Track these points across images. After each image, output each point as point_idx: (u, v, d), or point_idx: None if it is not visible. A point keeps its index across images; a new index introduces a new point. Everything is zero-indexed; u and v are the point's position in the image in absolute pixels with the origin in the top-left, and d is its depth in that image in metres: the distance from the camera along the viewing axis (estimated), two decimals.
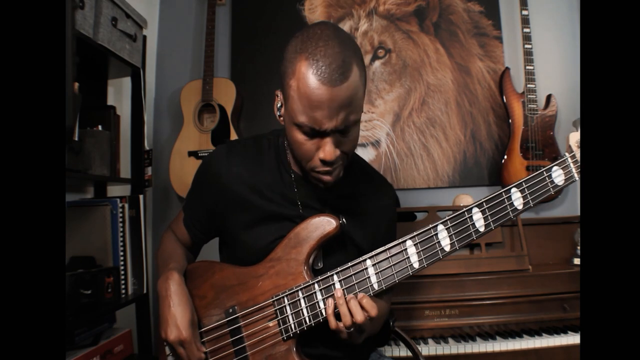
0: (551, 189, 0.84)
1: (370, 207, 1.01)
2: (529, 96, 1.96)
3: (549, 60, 2.12)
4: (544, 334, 1.50)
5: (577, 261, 1.72)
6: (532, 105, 1.96)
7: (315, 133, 0.81)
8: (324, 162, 0.83)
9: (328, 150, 0.81)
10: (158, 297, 0.93)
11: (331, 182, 0.87)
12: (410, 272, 0.85)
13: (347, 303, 0.82)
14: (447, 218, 0.85)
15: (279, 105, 0.88)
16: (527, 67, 1.97)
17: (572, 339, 1.47)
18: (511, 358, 1.46)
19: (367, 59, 2.16)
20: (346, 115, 0.79)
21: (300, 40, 0.80)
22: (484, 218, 0.84)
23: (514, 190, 0.84)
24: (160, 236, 1.13)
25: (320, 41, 0.77)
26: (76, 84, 1.22)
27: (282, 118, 0.88)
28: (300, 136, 0.82)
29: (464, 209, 0.85)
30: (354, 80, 0.78)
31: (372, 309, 0.81)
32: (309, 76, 0.76)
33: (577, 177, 0.83)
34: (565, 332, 1.50)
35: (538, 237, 1.80)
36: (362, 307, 0.82)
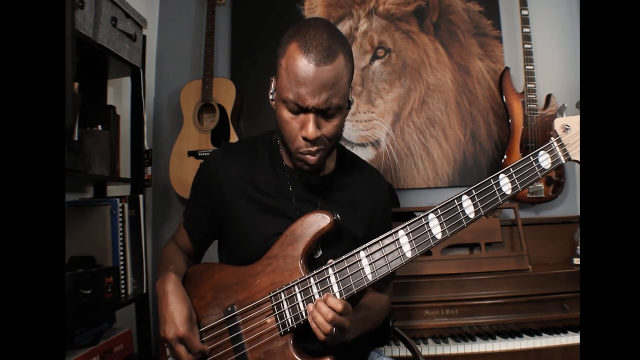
0: (539, 173, 0.86)
1: (363, 197, 1.03)
2: (529, 96, 1.96)
3: (549, 60, 2.12)
4: (544, 334, 1.50)
5: (577, 261, 1.72)
6: (532, 105, 1.96)
7: (300, 110, 0.86)
8: (306, 139, 0.87)
9: (310, 128, 0.85)
10: (157, 300, 0.93)
11: (315, 163, 0.91)
12: (403, 261, 0.87)
13: (319, 311, 0.83)
14: (437, 207, 0.87)
15: (272, 90, 0.93)
16: (527, 67, 1.97)
17: (572, 339, 1.48)
18: (511, 358, 1.46)
19: (367, 59, 2.16)
20: (329, 96, 0.84)
21: (295, 29, 0.87)
22: (473, 205, 0.86)
23: (502, 176, 0.87)
24: (163, 247, 1.15)
25: (311, 28, 0.85)
26: (76, 84, 1.22)
27: (274, 102, 0.93)
28: (286, 114, 0.88)
29: (454, 197, 0.87)
30: (339, 65, 0.84)
31: (336, 305, 0.82)
32: (298, 55, 0.83)
33: (563, 159, 0.86)
34: (565, 332, 1.51)
35: (538, 237, 1.80)
36: (329, 306, 0.83)
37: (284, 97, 0.86)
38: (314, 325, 0.84)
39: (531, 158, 0.86)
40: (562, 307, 1.56)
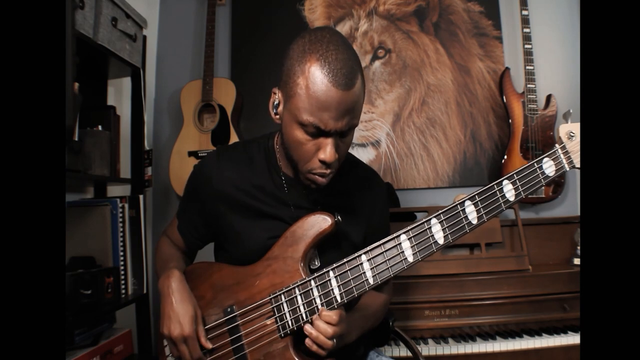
0: (542, 180, 0.86)
1: (360, 201, 1.02)
2: (529, 96, 1.96)
3: (549, 60, 2.12)
4: (544, 334, 1.50)
5: (577, 261, 1.72)
6: (532, 105, 1.96)
7: (319, 133, 0.82)
8: (323, 163, 0.84)
9: (329, 151, 0.83)
10: (160, 297, 0.93)
11: (325, 184, 0.89)
12: (404, 265, 0.86)
13: (318, 330, 0.84)
14: (440, 212, 0.87)
15: (275, 102, 0.89)
16: (527, 67, 1.97)
17: (572, 339, 1.48)
18: (511, 358, 1.46)
19: (367, 59, 2.16)
20: (350, 119, 0.82)
21: (309, 41, 0.81)
22: (476, 210, 0.86)
23: (505, 182, 0.87)
24: (157, 242, 1.14)
25: (331, 45, 0.80)
26: (76, 84, 1.22)
27: (277, 116, 0.89)
28: (302, 135, 0.84)
29: (457, 203, 0.87)
30: (359, 88, 0.82)
31: (331, 318, 0.84)
32: (321, 77, 0.78)
33: (567, 167, 0.86)
34: (565, 332, 1.51)
35: (538, 237, 1.80)
36: (326, 322, 0.84)
37: (302, 119, 0.81)
38: (314, 348, 0.85)
39: (535, 164, 0.86)
40: (562, 307, 1.56)
